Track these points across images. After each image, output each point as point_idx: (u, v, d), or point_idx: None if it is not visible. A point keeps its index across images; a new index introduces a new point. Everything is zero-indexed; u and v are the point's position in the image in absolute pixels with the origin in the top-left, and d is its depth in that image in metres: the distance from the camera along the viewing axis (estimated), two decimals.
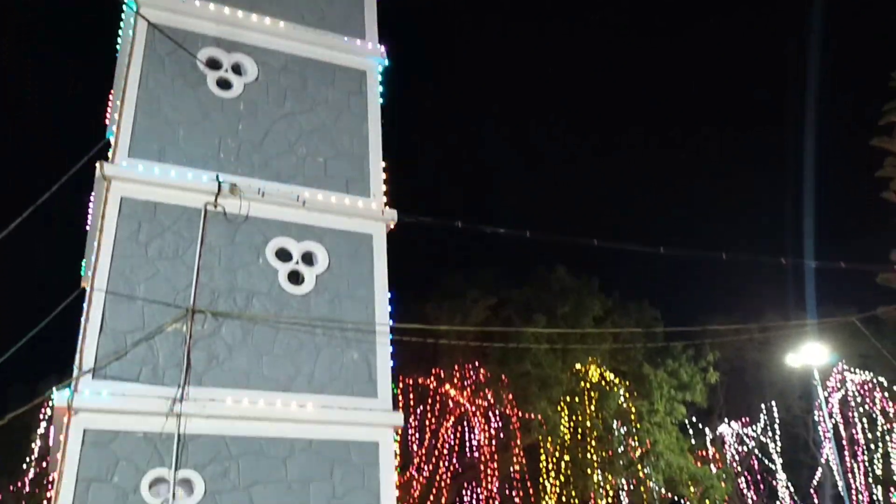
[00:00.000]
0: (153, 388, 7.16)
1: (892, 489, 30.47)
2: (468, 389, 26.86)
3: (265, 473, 7.31)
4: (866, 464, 31.91)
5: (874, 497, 31.30)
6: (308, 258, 8.54)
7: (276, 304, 8.09)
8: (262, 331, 7.89)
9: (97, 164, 7.93)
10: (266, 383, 7.67)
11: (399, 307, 8.98)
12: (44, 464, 14.82)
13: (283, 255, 8.41)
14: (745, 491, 35.46)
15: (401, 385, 27.01)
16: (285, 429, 7.56)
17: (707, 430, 33.71)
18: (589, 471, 26.67)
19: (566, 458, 27.03)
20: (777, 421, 34.19)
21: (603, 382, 27.93)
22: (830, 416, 32.10)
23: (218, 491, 7.05)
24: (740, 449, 35.26)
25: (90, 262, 7.79)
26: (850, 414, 32.47)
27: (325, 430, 7.71)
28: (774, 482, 35.06)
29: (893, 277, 10.78)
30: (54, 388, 6.91)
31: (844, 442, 32.56)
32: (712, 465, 30.07)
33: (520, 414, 26.29)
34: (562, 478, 27.04)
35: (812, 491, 34.85)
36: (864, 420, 32.44)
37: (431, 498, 26.07)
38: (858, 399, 32.09)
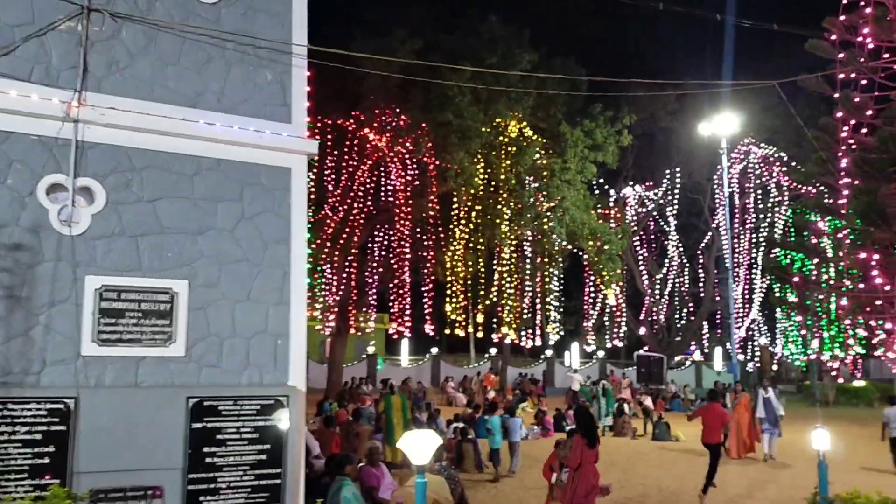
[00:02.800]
0: (47, 89, 6.62)
1: (771, 251, 33.14)
2: (387, 135, 26.64)
3: (171, 189, 7.12)
4: (752, 231, 34.35)
5: (753, 258, 34.01)
6: None
7: (182, 11, 7.40)
8: (166, 39, 7.27)
9: None
10: (171, 96, 7.22)
11: (318, 40, 8.43)
12: None
13: None
14: (638, 248, 38.04)
15: (319, 125, 26.58)
16: (192, 146, 7.25)
17: (612, 190, 35.23)
18: (498, 220, 27.76)
19: (478, 207, 27.95)
20: (678, 186, 35.94)
21: (521, 138, 28.26)
22: (730, 185, 33.93)
23: (120, 202, 6.86)
24: (640, 210, 37.25)
25: None
26: (748, 185, 34.37)
27: (235, 151, 7.46)
28: (666, 242, 37.71)
29: (823, 45, 10.71)
30: None
31: (737, 210, 34.73)
32: (612, 223, 31.80)
33: (437, 163, 26.58)
34: (471, 225, 28.11)
35: (699, 252, 37.77)
36: (760, 191, 34.44)
37: (344, 236, 26.81)
38: (758, 171, 33.78)
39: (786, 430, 20.83)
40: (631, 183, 36.80)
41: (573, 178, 28.20)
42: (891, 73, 10.71)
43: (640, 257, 38.26)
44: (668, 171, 35.96)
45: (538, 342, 33.04)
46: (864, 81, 10.55)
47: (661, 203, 37.03)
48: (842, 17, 10.75)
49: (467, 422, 19.21)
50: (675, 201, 36.39)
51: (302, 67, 7.96)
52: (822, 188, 23.61)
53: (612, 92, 32.11)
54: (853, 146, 10.43)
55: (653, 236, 38.88)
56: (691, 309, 38.55)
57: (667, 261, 37.89)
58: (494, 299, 30.07)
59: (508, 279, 30.10)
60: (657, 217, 37.98)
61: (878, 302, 9.64)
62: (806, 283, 11.69)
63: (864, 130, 10.68)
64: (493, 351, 40.72)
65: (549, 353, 40.68)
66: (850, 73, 10.63)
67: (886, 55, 10.83)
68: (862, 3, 10.74)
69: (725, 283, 31.77)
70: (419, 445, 6.24)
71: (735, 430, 17.25)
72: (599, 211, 31.98)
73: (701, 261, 38.00)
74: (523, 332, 31.75)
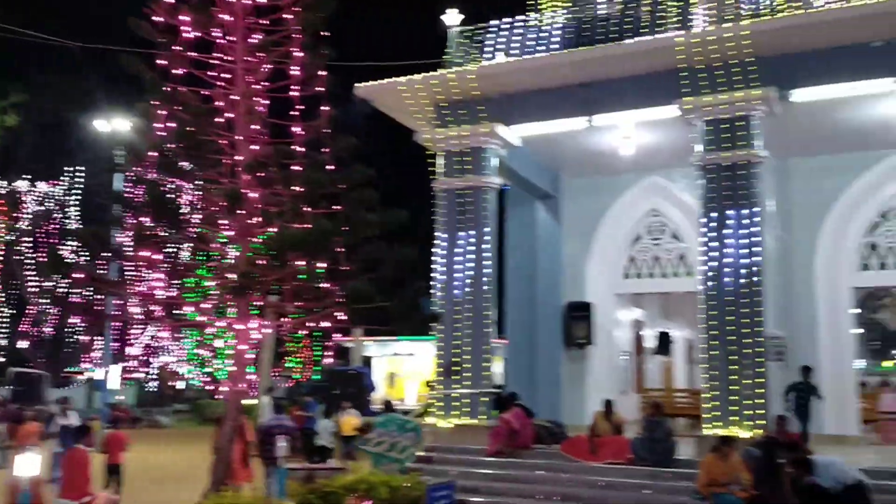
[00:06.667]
0: None
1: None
2: None
3: None
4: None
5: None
6: None
7: None
8: None
9: None
10: None
11: None
12: None
13: None
14: (29, 251, 33.60)
15: None
16: None
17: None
18: None
19: None
20: (82, 186, 32.99)
21: None
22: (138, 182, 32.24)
23: None
24: (39, 208, 33.09)
25: None
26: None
27: None
28: (62, 246, 34.14)
29: (145, 25, 9.58)
30: None
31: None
32: None
33: None
34: None
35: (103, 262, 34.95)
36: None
37: None
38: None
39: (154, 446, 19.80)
40: (29, 177, 32.40)
41: None
42: (216, 67, 10.17)
43: (30, 261, 33.82)
44: (72, 169, 32.70)
45: None
46: (181, 71, 9.77)
47: (64, 202, 33.41)
48: None
49: None
50: (79, 202, 33.23)
51: None
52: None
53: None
54: (163, 136, 9.51)
55: (54, 240, 34.78)
56: (87, 322, 35.43)
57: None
58: None
59: None
60: (61, 217, 34.17)
61: (157, 308, 8.81)
62: (97, 282, 10.28)
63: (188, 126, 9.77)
64: None
65: None
66: (172, 59, 9.78)
67: (217, 52, 10.27)
68: None
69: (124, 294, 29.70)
70: None
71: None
72: None
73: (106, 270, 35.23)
74: None
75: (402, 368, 35.01)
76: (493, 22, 15.09)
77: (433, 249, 14.89)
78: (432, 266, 14.85)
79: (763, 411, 11.94)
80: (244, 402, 26.73)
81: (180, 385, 41.91)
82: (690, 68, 12.87)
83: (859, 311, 26.27)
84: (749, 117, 12.63)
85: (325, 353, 31.06)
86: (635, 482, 11.57)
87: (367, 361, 32.26)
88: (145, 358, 35.50)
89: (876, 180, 15.42)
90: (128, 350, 31.04)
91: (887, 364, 32.09)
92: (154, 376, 37.56)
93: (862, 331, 28.61)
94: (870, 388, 27.22)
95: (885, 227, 15.53)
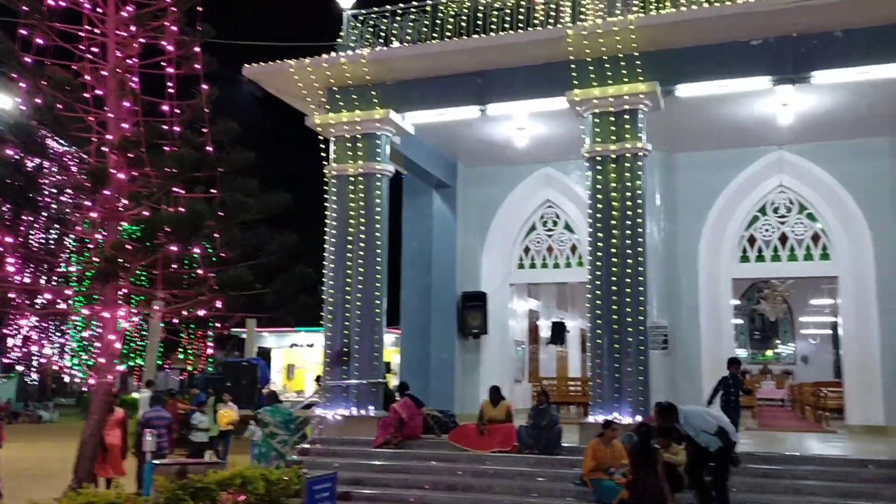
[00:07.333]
0: None
1: None
2: None
3: None
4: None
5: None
6: None
7: None
8: None
9: None
10: None
11: None
12: None
13: None
14: None
15: None
16: None
17: None
18: None
19: None
20: None
21: None
22: None
23: None
24: None
25: None
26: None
27: None
28: None
29: None
30: None
31: None
32: None
33: None
34: None
35: None
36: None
37: None
38: None
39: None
40: None
41: None
42: (85, 40, 9.56)
43: None
44: None
45: None
46: (44, 42, 9.12)
47: None
48: None
49: None
50: None
51: None
52: None
53: None
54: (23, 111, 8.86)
55: None
56: None
57: None
58: None
59: None
60: None
61: (13, 296, 8.20)
62: None
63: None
64: None
65: None
66: (36, 28, 9.12)
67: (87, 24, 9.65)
68: None
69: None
70: None
71: None
72: None
73: None
74: None
75: (301, 359, 34.29)
76: (387, 7, 14.83)
77: (324, 237, 14.55)
78: (324, 253, 14.52)
79: (642, 398, 12.18)
80: (134, 395, 25.64)
81: (66, 378, 39.95)
82: (580, 60, 12.98)
83: (741, 301, 27.68)
84: (635, 111, 12.84)
85: (208, 344, 30.10)
86: (521, 470, 11.65)
87: (264, 353, 31.49)
88: (25, 349, 33.59)
89: (754, 176, 16.04)
90: (6, 342, 29.18)
91: (768, 354, 33.60)
92: (35, 369, 35.65)
93: (742, 321, 30.12)
94: (750, 376, 28.69)
95: (762, 221, 16.15)
